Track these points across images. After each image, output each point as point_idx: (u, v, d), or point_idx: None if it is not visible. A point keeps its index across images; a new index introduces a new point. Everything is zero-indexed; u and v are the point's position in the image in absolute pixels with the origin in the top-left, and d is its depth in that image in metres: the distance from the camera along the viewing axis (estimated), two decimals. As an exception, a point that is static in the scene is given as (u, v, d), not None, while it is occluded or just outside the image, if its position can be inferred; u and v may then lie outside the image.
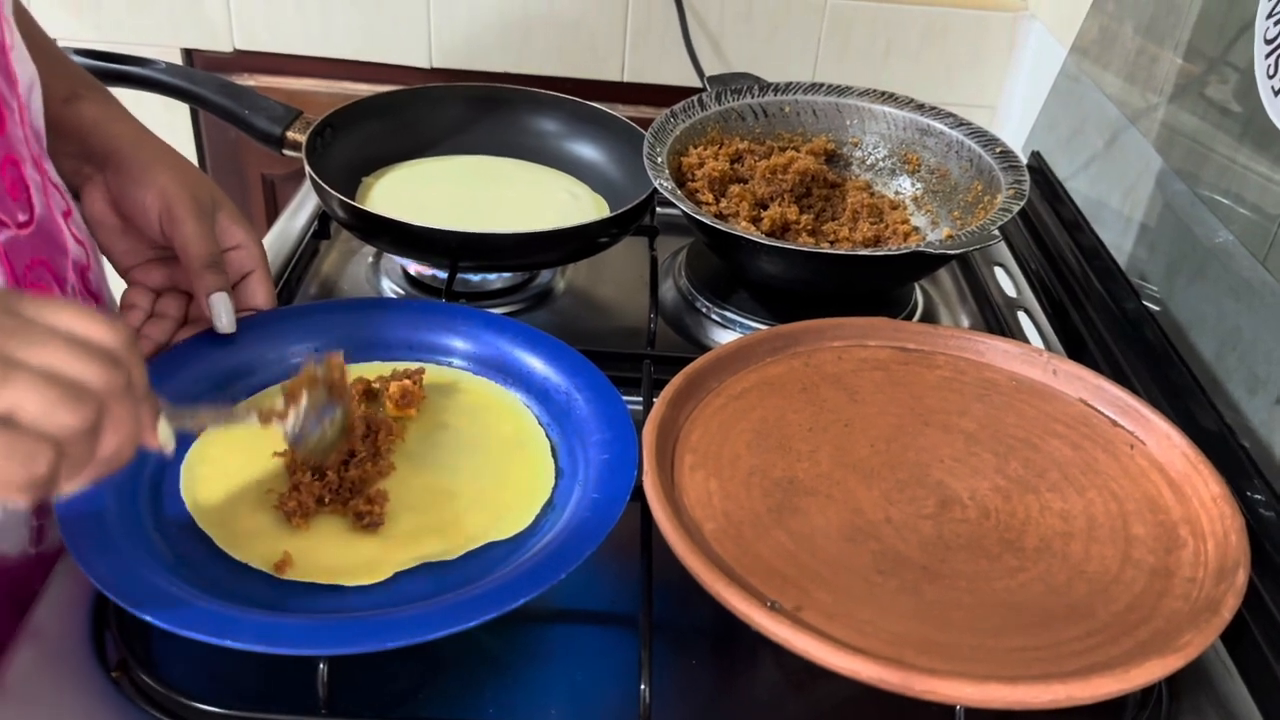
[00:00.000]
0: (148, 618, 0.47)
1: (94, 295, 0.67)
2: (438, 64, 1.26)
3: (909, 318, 0.83)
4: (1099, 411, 0.66)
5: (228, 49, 1.26)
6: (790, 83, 0.91)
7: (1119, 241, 0.90)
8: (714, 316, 0.83)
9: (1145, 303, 0.83)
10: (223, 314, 0.62)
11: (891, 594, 0.53)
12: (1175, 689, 0.54)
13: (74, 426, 0.40)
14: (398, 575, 0.53)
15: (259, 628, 0.47)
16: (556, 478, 0.60)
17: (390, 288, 0.84)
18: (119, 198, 0.64)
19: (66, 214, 0.65)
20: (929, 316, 0.84)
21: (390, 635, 0.47)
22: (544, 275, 0.86)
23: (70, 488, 0.42)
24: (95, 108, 0.66)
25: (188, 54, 1.27)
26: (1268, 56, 0.71)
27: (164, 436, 0.46)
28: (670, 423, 0.62)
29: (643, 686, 0.50)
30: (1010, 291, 0.88)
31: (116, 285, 0.75)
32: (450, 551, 0.54)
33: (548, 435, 0.63)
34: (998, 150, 0.83)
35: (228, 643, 0.46)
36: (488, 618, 0.48)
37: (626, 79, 1.28)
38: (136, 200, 0.63)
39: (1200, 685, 0.55)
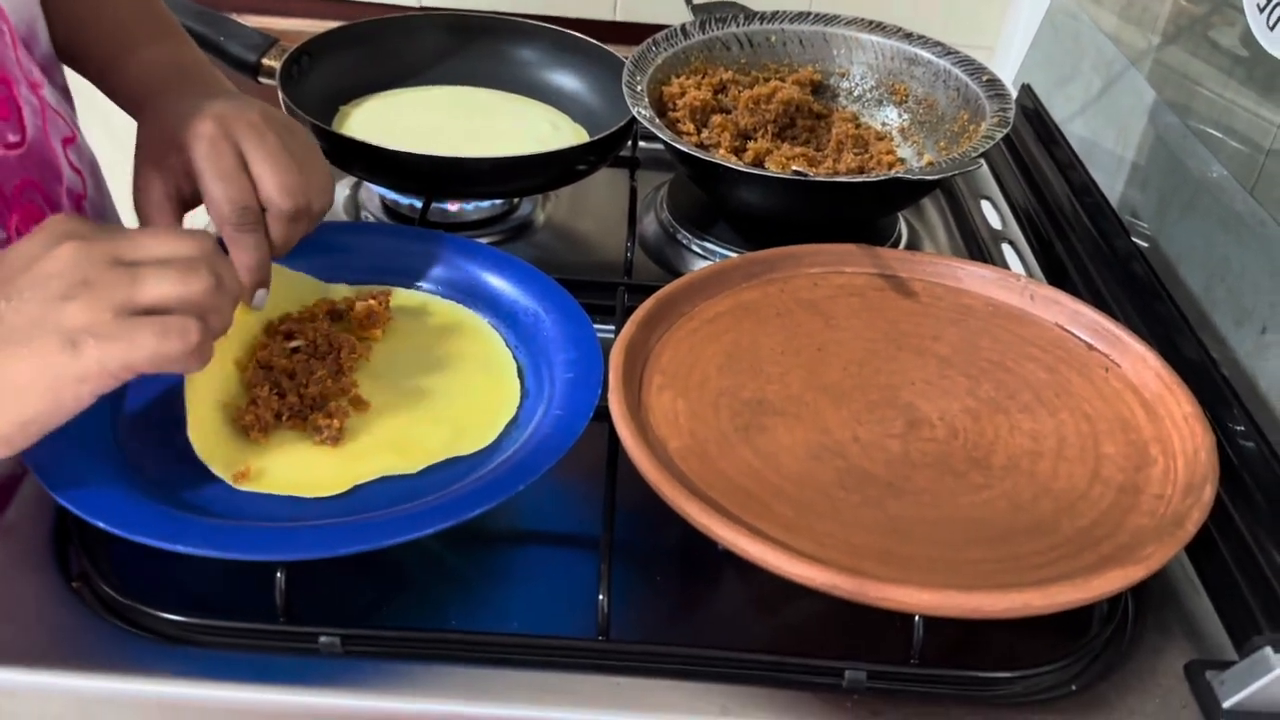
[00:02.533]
0: (99, 523, 0.47)
1: None
2: (426, 2, 1.25)
3: (893, 248, 0.82)
4: (1075, 335, 0.65)
5: (215, -13, 1.25)
6: (777, 11, 0.89)
7: (1111, 180, 0.89)
8: (695, 248, 0.82)
9: (1135, 239, 0.82)
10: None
11: (854, 509, 0.53)
12: (1141, 605, 0.54)
13: (207, 287, 0.45)
14: (357, 489, 0.53)
15: (211, 533, 0.47)
16: (522, 398, 0.60)
17: (368, 219, 0.83)
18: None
19: (67, 141, 0.64)
20: (913, 247, 0.83)
21: (344, 542, 0.47)
22: (524, 208, 0.85)
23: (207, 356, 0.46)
24: (122, 100, 0.65)
25: (174, -8, 1.26)
26: (1256, -25, 0.69)
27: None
28: (640, 344, 0.62)
29: (601, 596, 0.50)
30: (996, 225, 0.87)
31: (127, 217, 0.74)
32: (411, 466, 0.54)
33: (515, 357, 0.62)
34: (985, 79, 0.82)
35: (179, 548, 0.46)
36: (444, 526, 0.48)
37: (619, 18, 1.27)
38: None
39: (1166, 602, 0.54)
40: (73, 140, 0.65)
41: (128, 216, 0.74)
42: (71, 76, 0.70)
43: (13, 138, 0.58)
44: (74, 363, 0.43)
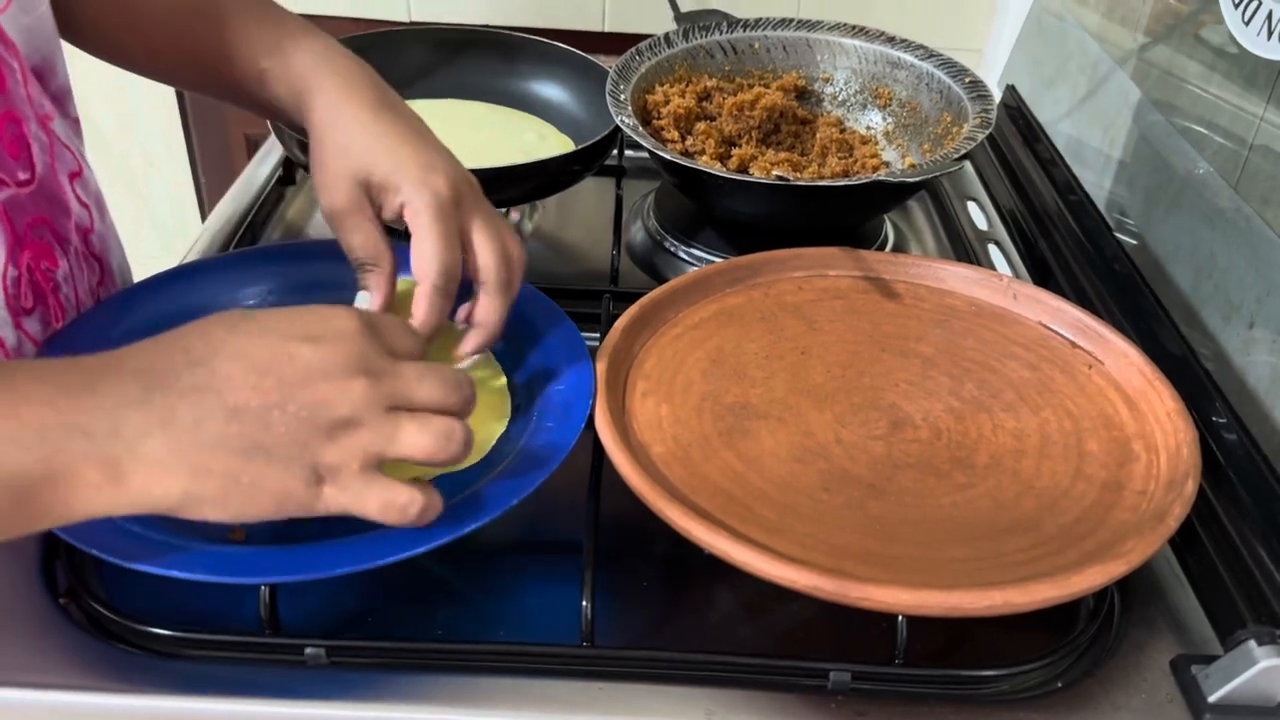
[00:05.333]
0: (88, 549, 0.47)
1: (97, 258, 0.66)
2: (416, 17, 1.25)
3: (880, 250, 0.82)
4: (1058, 333, 0.65)
5: (206, 8, 1.25)
6: (760, 18, 0.90)
7: (1099, 179, 0.89)
8: (682, 255, 0.82)
9: (1123, 237, 0.82)
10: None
11: (836, 510, 0.53)
12: (1127, 600, 0.54)
13: (450, 458, 0.47)
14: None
15: (196, 557, 0.47)
16: (513, 413, 0.60)
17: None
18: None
19: (74, 175, 0.63)
20: (899, 250, 0.83)
21: (332, 563, 0.47)
22: (511, 217, 0.85)
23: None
24: (282, 86, 0.63)
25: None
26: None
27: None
28: (624, 351, 0.62)
29: (585, 603, 0.50)
30: (982, 225, 0.87)
31: (131, 256, 0.74)
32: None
33: (506, 373, 0.62)
34: (967, 80, 0.82)
35: (167, 571, 0.46)
36: (433, 545, 0.48)
37: (608, 29, 1.27)
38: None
39: (1152, 596, 0.54)
40: (79, 174, 0.64)
41: (130, 242, 0.74)
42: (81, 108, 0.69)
43: (23, 175, 0.58)
44: (306, 496, 0.45)
